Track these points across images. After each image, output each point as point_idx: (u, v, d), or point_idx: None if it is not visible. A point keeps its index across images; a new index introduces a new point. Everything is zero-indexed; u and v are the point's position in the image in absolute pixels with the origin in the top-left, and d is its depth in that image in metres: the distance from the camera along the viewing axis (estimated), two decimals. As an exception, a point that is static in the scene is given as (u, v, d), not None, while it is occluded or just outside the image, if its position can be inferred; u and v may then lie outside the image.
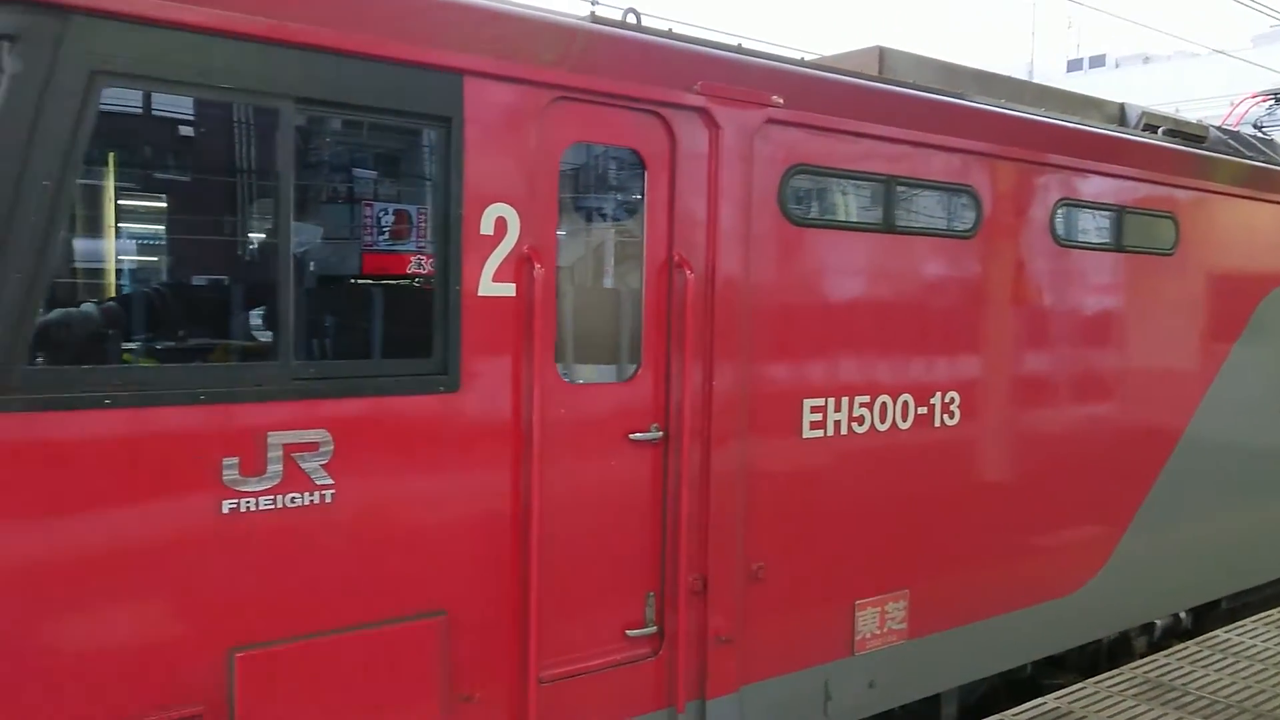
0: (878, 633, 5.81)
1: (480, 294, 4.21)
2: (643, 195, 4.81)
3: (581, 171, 5.45)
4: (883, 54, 6.77)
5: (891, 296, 5.74)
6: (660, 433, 4.83)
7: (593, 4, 5.02)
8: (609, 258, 5.68)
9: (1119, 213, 7.04)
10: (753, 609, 5.21)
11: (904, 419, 5.83)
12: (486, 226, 4.22)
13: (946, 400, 6.04)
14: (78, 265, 5.06)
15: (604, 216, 5.73)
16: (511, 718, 4.44)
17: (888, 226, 5.67)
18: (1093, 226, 7.01)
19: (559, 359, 4.61)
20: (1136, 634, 7.76)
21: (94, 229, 4.97)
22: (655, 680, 4.91)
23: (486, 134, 4.21)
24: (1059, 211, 6.59)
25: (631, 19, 5.07)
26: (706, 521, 4.97)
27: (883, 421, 5.72)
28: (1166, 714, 5.83)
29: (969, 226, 6.11)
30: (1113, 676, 6.43)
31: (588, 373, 5.10)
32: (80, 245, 5.01)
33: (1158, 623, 7.87)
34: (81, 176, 3.46)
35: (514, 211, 4.30)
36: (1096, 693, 6.17)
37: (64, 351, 3.74)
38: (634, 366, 4.84)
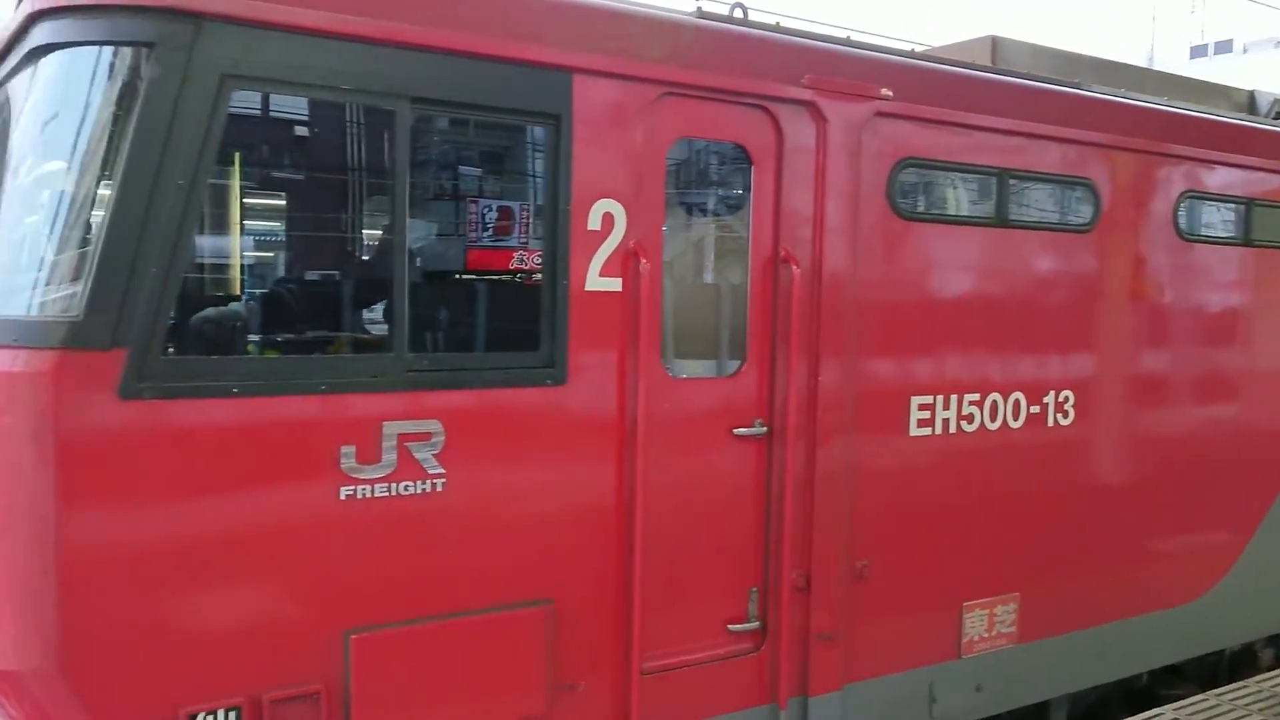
0: (986, 636, 5.68)
1: (587, 289, 4.26)
2: (748, 190, 4.80)
3: (685, 166, 5.47)
4: (996, 43, 6.62)
5: (1004, 292, 5.60)
6: (764, 428, 4.81)
7: (699, -1, 5.01)
8: (711, 253, 5.68)
9: (1248, 205, 6.73)
10: (857, 607, 5.16)
11: (1015, 418, 5.68)
12: (594, 222, 4.27)
13: (1060, 399, 5.87)
14: (205, 261, 5.30)
15: (706, 212, 5.74)
16: (614, 708, 4.49)
17: (1000, 220, 5.53)
18: (1219, 220, 6.72)
19: (663, 353, 4.63)
20: (1262, 646, 7.41)
21: (220, 227, 5.20)
22: (757, 676, 4.90)
23: (594, 131, 4.26)
24: (1183, 204, 6.34)
25: (738, 13, 5.05)
26: (811, 518, 4.93)
27: (993, 420, 5.59)
28: (1295, 730, 5.57)
29: (1086, 220, 5.92)
30: (1235, 689, 6.16)
31: (691, 367, 5.12)
32: (207, 242, 5.24)
33: (1286, 635, 7.50)
34: (211, 176, 3.62)
35: (620, 207, 4.34)
36: (1218, 705, 5.93)
37: (195, 343, 3.93)
38: (738, 361, 4.83)
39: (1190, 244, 6.41)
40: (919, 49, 6.43)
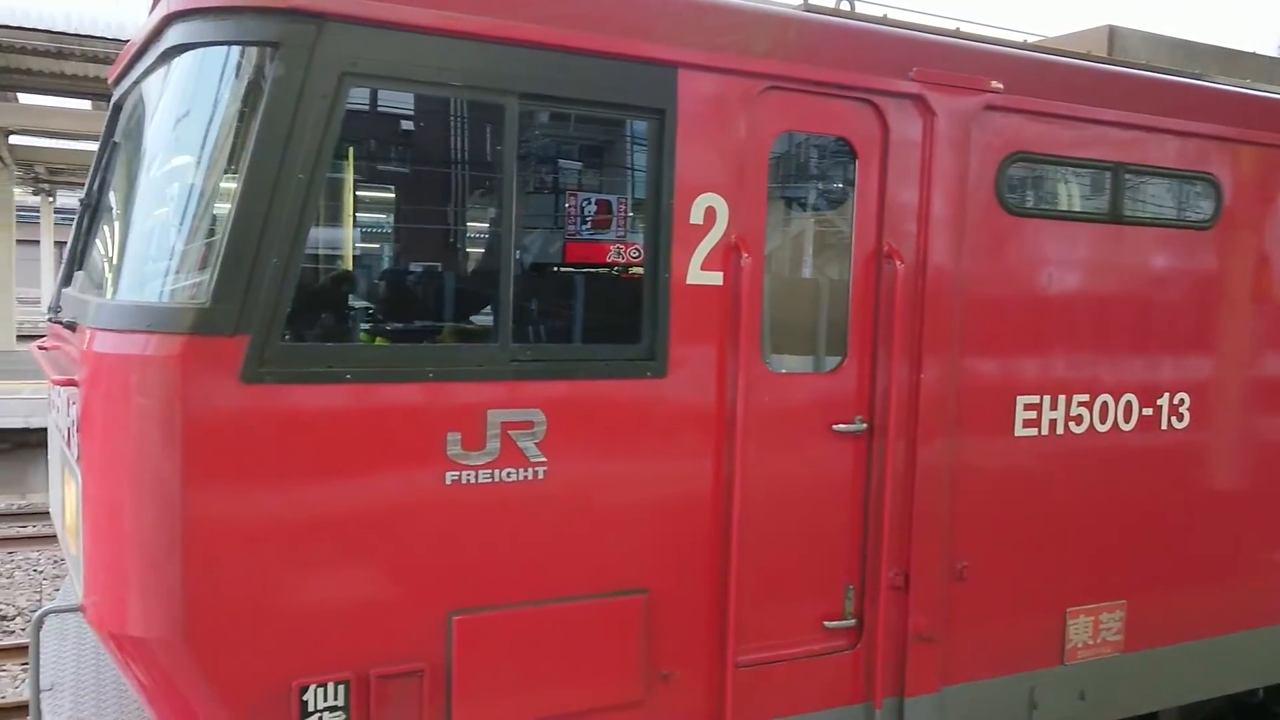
0: (1090, 643, 5.53)
1: (688, 282, 4.29)
2: (852, 184, 4.76)
3: (787, 160, 5.44)
4: (1113, 33, 6.41)
5: (1117, 291, 5.43)
6: (864, 425, 4.77)
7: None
8: (813, 247, 5.64)
9: None
10: (956, 609, 5.08)
11: (1127, 420, 5.52)
12: (696, 216, 4.29)
13: (1175, 402, 5.66)
14: (320, 252, 5.49)
15: (808, 206, 5.70)
16: (708, 698, 4.52)
17: (1114, 216, 5.37)
18: None
19: (762, 348, 4.63)
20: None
21: (334, 219, 5.38)
22: (852, 674, 4.87)
23: (698, 125, 4.28)
24: None
25: (845, 6, 5.01)
26: (910, 516, 4.88)
27: (1103, 422, 5.44)
28: None
29: (1206, 217, 5.69)
30: None
31: (790, 362, 5.10)
32: (323, 234, 5.43)
33: None
34: (328, 170, 3.75)
35: (723, 201, 4.35)
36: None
37: (311, 330, 4.08)
38: (838, 357, 4.80)
39: None
40: (1034, 40, 6.27)
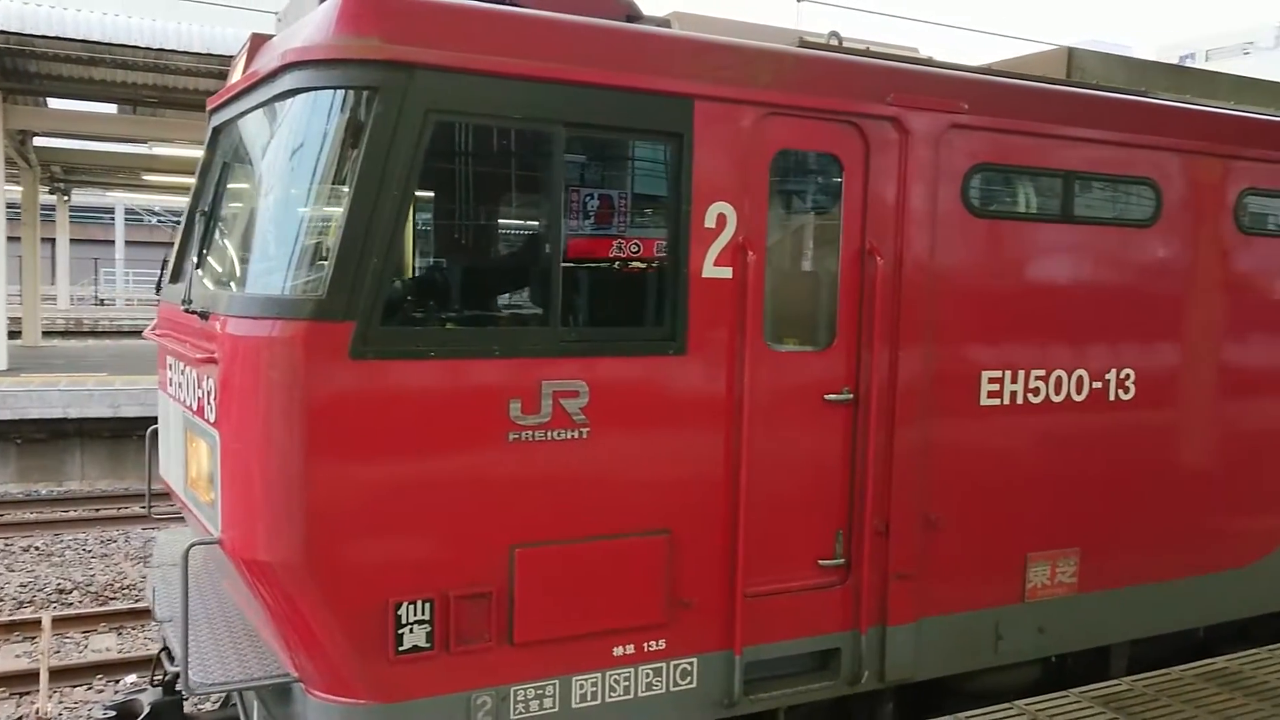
0: (1048, 584, 6.42)
1: (704, 275, 5.18)
2: (840, 192, 5.64)
3: (784, 172, 6.29)
4: (1071, 54, 7.26)
5: (1071, 281, 6.31)
6: (851, 395, 5.66)
7: (802, 39, 5.83)
8: (807, 245, 6.51)
9: None
10: (930, 552, 5.97)
11: (1079, 392, 6.39)
12: (710, 221, 5.18)
13: (1122, 376, 6.54)
14: (409, 254, 6.31)
15: (803, 210, 6.56)
16: (721, 622, 5.41)
17: (1066, 217, 6.24)
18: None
19: (765, 330, 5.50)
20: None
21: (419, 227, 6.19)
22: (842, 605, 5.77)
23: (711, 145, 5.16)
24: (1243, 200, 6.91)
25: (834, 40, 5.88)
26: (889, 473, 5.77)
27: (1057, 394, 6.32)
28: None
29: (1148, 216, 6.57)
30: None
31: (789, 343, 5.98)
32: (410, 239, 6.25)
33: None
34: (416, 188, 4.62)
35: (731, 208, 5.24)
36: (1270, 659, 6.50)
37: (402, 317, 4.94)
38: (830, 338, 5.69)
39: (1251, 237, 6.99)
40: (1008, 56, 7.12)
